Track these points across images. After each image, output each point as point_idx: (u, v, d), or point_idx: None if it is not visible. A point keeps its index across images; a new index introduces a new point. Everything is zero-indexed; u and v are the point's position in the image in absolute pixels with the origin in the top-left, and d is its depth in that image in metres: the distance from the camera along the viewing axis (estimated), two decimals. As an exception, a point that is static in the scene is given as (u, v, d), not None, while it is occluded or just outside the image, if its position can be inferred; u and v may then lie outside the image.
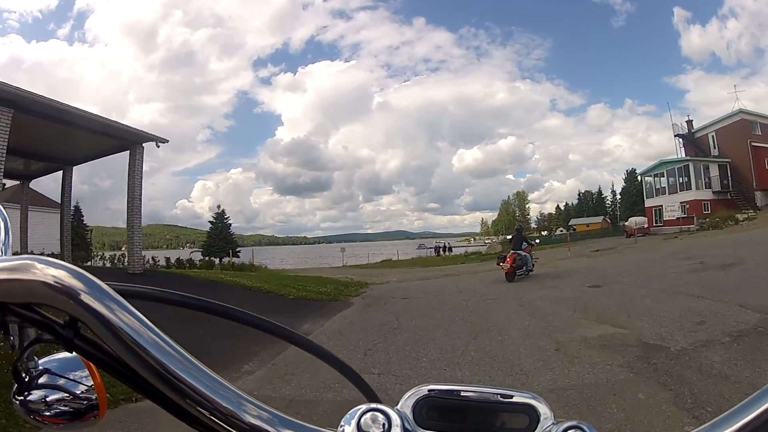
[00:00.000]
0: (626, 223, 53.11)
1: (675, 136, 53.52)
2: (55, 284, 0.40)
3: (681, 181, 47.10)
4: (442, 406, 0.46)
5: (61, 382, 0.53)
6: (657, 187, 52.11)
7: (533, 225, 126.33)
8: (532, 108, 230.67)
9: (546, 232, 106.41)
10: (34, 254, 0.44)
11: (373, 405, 0.44)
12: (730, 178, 45.62)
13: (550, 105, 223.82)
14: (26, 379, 0.51)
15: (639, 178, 54.59)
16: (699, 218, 40.00)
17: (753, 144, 45.78)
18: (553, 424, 0.44)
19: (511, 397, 0.45)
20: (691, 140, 51.96)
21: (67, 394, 0.53)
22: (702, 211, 44.03)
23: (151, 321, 0.43)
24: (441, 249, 58.68)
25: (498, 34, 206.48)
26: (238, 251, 50.01)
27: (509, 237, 29.55)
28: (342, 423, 0.44)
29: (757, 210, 39.39)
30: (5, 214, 0.68)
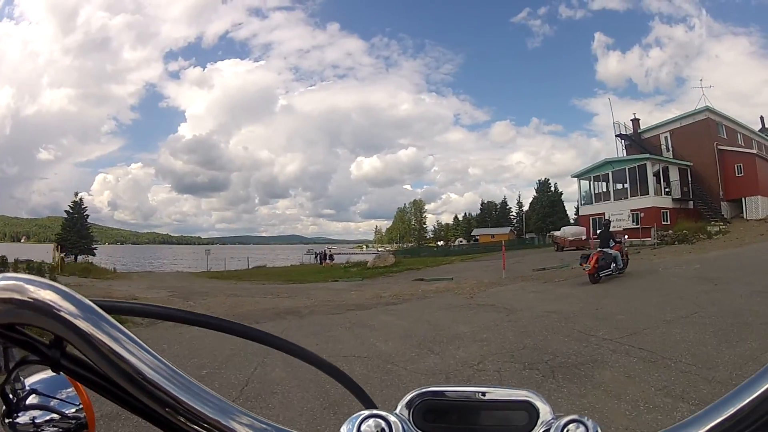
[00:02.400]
0: (557, 234, 44.88)
1: (616, 136, 46.02)
2: (39, 303, 0.40)
3: (633, 185, 39.33)
4: (440, 408, 0.47)
5: (49, 402, 0.56)
6: (597, 192, 44.09)
7: (430, 235, 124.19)
8: (436, 121, 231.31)
9: (442, 242, 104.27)
10: (16, 273, 0.44)
11: (373, 411, 0.45)
12: (690, 185, 39.04)
13: (454, 119, 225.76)
14: (14, 401, 0.53)
15: (578, 181, 46.21)
16: (659, 230, 33.99)
17: (719, 147, 38.71)
18: (553, 419, 0.45)
19: (509, 394, 0.46)
20: (638, 142, 44.32)
21: (56, 414, 0.55)
22: (660, 221, 36.41)
23: (139, 337, 0.43)
24: (322, 256, 53.47)
25: (410, 45, 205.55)
26: (94, 248, 47.89)
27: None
28: (341, 430, 0.44)
29: (727, 222, 34.38)
30: None
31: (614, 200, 41.23)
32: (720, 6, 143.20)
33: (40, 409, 0.54)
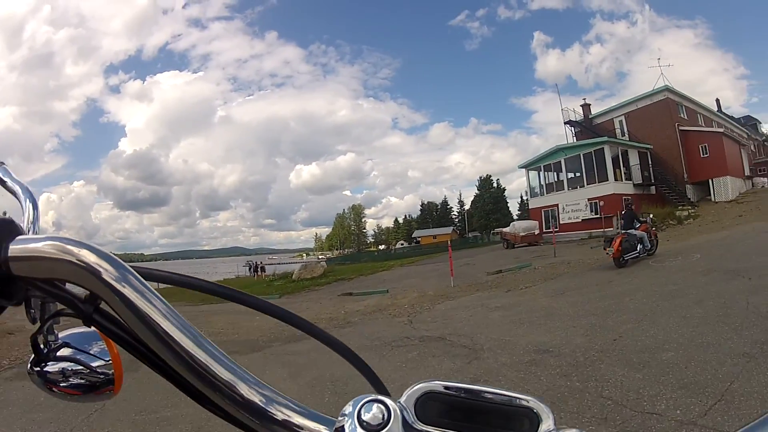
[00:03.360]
0: (505, 230, 40.06)
1: (566, 123, 42.39)
2: (78, 262, 0.43)
3: (589, 172, 35.52)
4: (444, 403, 0.46)
5: (79, 355, 0.58)
6: (549, 182, 40.02)
7: (370, 239, 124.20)
8: (374, 126, 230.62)
9: (384, 246, 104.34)
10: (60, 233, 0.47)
11: (377, 396, 0.45)
12: (651, 169, 35.94)
13: (393, 123, 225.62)
14: (45, 351, 0.57)
15: (526, 172, 42.11)
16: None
17: (681, 128, 35.47)
18: (554, 429, 0.44)
19: (515, 399, 0.46)
20: (589, 128, 40.80)
21: (84, 368, 0.58)
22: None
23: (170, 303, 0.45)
24: (254, 268, 49.27)
25: (348, 52, 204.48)
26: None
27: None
28: (343, 411, 0.45)
29: (694, 205, 31.95)
30: (34, 197, 0.77)
31: (568, 189, 37.46)
32: (665, 0, 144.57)
33: (69, 361, 0.57)
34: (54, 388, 0.57)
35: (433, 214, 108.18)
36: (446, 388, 0.46)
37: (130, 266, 0.45)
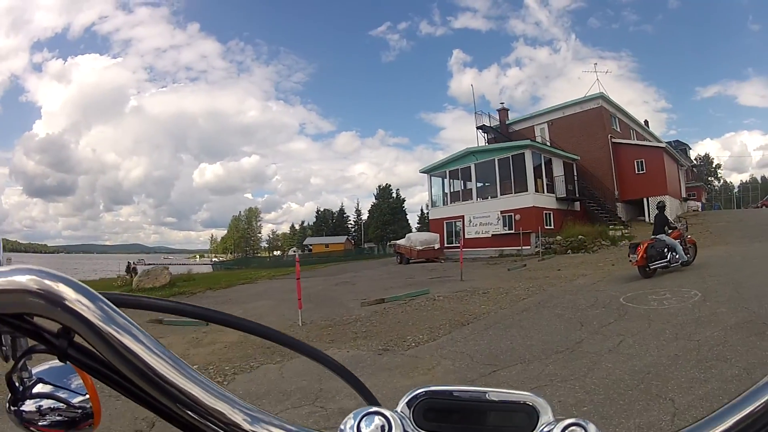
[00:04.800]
0: (400, 242, 32.77)
1: (478, 128, 36.31)
2: (48, 294, 0.41)
3: (504, 180, 30.03)
4: (441, 407, 0.47)
5: (56, 391, 0.55)
6: (455, 190, 33.65)
7: (264, 244, 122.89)
8: (281, 129, 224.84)
9: (279, 252, 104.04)
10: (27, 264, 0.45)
11: (373, 408, 0.45)
12: (577, 183, 31.72)
13: (300, 128, 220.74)
14: (20, 389, 0.53)
15: (428, 178, 35.25)
16: (543, 235, 26.26)
17: (614, 141, 30.80)
18: (553, 421, 0.45)
19: (511, 396, 0.46)
20: (506, 135, 35.14)
21: (62, 404, 0.55)
22: (543, 225, 26.89)
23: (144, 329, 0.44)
24: (131, 269, 38.60)
25: (265, 51, 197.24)
26: None
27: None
28: (341, 427, 0.45)
29: (627, 225, 28.02)
30: None
31: (478, 200, 31.26)
32: (592, 32, 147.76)
33: (46, 398, 0.54)
34: (32, 428, 0.53)
35: (329, 222, 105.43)
36: (442, 392, 0.47)
37: (102, 294, 0.44)
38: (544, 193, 28.83)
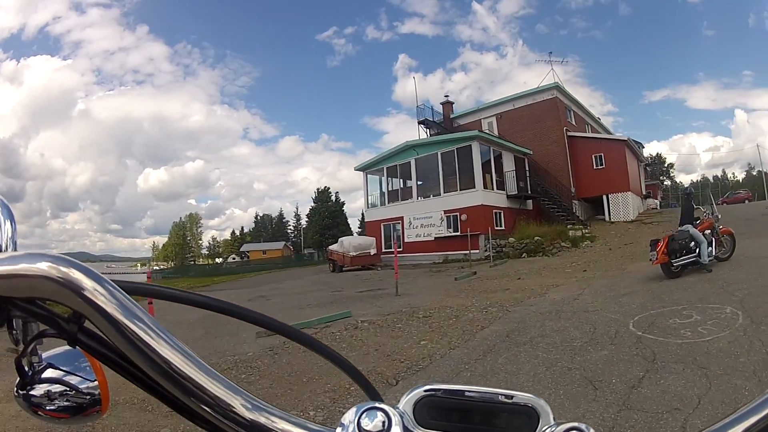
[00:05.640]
0: (333, 248, 29.06)
1: (420, 123, 33.00)
2: (60, 279, 0.41)
3: (448, 176, 26.80)
4: (442, 406, 0.46)
5: (65, 376, 0.56)
6: (393, 189, 30.13)
7: (204, 251, 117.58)
8: (225, 134, 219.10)
9: (221, 259, 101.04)
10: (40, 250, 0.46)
11: (374, 404, 0.45)
12: (528, 179, 28.74)
13: (243, 133, 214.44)
14: (29, 374, 0.55)
15: (364, 176, 31.52)
16: (493, 237, 22.88)
17: (570, 134, 28.17)
18: (554, 424, 0.44)
19: (512, 397, 0.46)
20: (450, 130, 31.81)
21: (70, 389, 0.56)
22: (493, 226, 24.54)
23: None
24: None
25: (211, 55, 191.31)
26: None
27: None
28: (342, 421, 0.45)
29: (585, 225, 25.36)
30: (10, 209, 0.69)
31: (419, 199, 27.83)
32: (540, 38, 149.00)
33: (55, 383, 0.55)
34: (40, 412, 0.54)
35: (268, 228, 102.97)
36: (444, 390, 0.46)
37: (114, 281, 0.44)
38: (493, 190, 25.79)
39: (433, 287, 14.06)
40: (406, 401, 0.45)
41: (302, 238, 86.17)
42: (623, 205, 27.73)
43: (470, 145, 25.35)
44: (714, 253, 10.48)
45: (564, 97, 30.70)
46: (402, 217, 28.01)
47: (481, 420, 0.45)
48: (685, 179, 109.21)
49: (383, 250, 27.60)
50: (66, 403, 0.54)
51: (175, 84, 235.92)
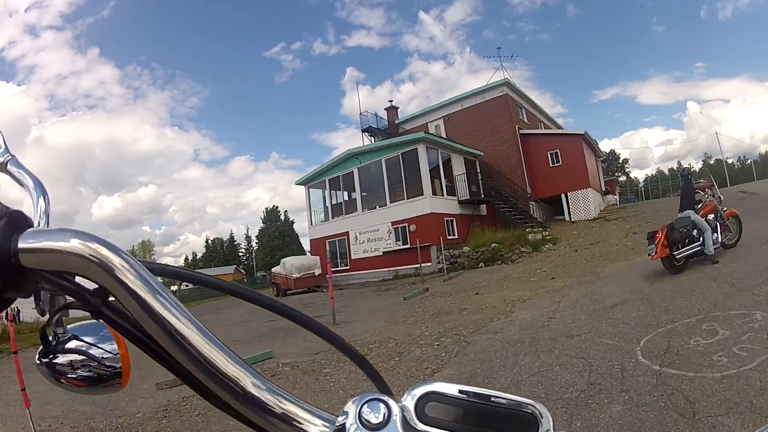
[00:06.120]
0: (275, 270, 27.06)
1: (363, 131, 31.15)
2: (89, 255, 0.43)
3: (394, 185, 24.64)
4: (445, 405, 0.46)
5: (88, 348, 0.59)
6: (336, 202, 27.92)
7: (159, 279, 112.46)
8: (176, 157, 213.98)
9: (175, 287, 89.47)
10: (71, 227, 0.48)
11: (378, 395, 0.45)
12: (481, 182, 26.49)
13: (194, 155, 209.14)
14: (53, 343, 0.58)
15: (306, 191, 29.02)
16: (446, 247, 20.74)
17: (523, 132, 26.59)
18: None
19: (514, 402, 0.46)
20: (395, 136, 29.33)
21: (92, 360, 0.59)
22: (446, 235, 22.47)
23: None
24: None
25: (161, 76, 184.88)
26: None
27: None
28: (345, 409, 0.45)
29: (545, 227, 23.79)
30: (44, 188, 0.78)
31: (364, 211, 25.68)
32: (487, 44, 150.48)
33: (78, 354, 0.58)
34: (62, 380, 0.57)
35: (219, 252, 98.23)
36: (448, 389, 0.46)
37: (140, 260, 0.46)
38: (443, 196, 23.69)
39: (379, 311, 11.98)
40: (409, 397, 0.45)
41: (254, 261, 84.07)
42: (584, 203, 26.21)
43: (416, 149, 23.29)
44: (720, 240, 9.29)
45: (515, 94, 29.01)
46: (347, 232, 25.73)
47: (482, 422, 0.45)
48: (639, 174, 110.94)
49: (332, 269, 24.81)
50: (87, 374, 0.57)
51: (126, 107, 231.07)
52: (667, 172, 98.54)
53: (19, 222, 0.46)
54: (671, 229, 8.82)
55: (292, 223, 74.40)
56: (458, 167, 25.16)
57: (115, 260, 0.43)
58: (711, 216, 9.31)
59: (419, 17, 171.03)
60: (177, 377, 0.47)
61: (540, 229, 22.61)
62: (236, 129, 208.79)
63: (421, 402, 0.45)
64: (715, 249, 8.87)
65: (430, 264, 20.87)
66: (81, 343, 0.58)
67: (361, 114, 31.78)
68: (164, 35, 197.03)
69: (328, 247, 26.59)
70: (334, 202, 28.13)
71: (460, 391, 0.45)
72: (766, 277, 6.78)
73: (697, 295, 6.66)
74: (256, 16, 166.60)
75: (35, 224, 0.47)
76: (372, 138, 30.80)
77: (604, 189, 32.53)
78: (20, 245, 0.44)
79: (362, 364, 0.65)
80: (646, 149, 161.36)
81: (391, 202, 24.14)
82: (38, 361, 0.57)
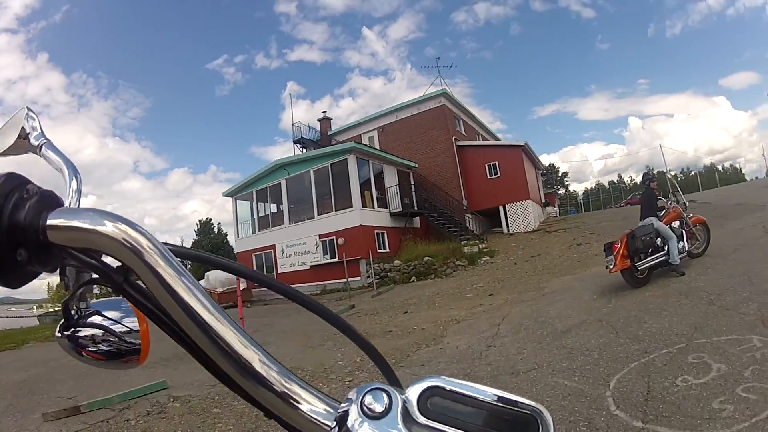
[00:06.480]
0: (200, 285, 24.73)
1: (295, 142, 29.94)
2: (112, 234, 0.45)
3: (323, 196, 23.27)
4: (447, 400, 0.46)
5: (109, 324, 0.61)
6: (263, 214, 26.52)
7: (96, 292, 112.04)
8: (116, 168, 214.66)
9: None
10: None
11: (382, 385, 0.46)
12: (414, 194, 25.46)
13: (134, 166, 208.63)
14: (75, 317, 0.60)
15: (234, 204, 27.22)
16: (376, 261, 19.78)
17: (460, 144, 26.08)
18: None
19: (516, 403, 0.46)
20: (328, 146, 28.07)
21: (112, 335, 0.61)
22: (376, 249, 21.40)
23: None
24: None
25: (105, 85, 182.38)
26: None
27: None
28: (349, 396, 0.46)
29: (482, 240, 22.84)
30: (76, 169, 0.79)
31: (291, 223, 24.14)
32: (429, 60, 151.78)
33: (98, 328, 0.60)
34: (83, 352, 0.59)
35: None
36: (451, 385, 0.47)
37: (164, 242, 0.47)
38: (374, 208, 22.43)
39: (297, 332, 10.50)
40: (413, 390, 0.46)
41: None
42: (523, 215, 25.50)
43: (346, 160, 22.00)
44: (687, 249, 8.59)
45: (452, 106, 28.20)
46: (274, 245, 24.20)
47: (483, 420, 0.45)
48: (579, 188, 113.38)
49: (254, 285, 23.08)
50: (107, 348, 0.59)
51: (70, 116, 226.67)
52: (607, 185, 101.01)
53: (49, 201, 0.48)
54: (632, 238, 7.99)
55: (225, 235, 71.99)
56: (391, 179, 24.00)
57: (138, 239, 0.44)
58: (676, 223, 8.61)
59: (362, 33, 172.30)
60: (192, 356, 0.49)
61: (476, 241, 21.72)
62: (176, 141, 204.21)
63: (424, 395, 0.45)
64: (680, 259, 8.12)
65: (359, 278, 19.71)
66: (103, 318, 0.60)
67: (293, 124, 30.31)
68: (111, 42, 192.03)
69: (254, 261, 24.92)
70: (261, 214, 26.58)
71: (465, 388, 0.45)
72: (750, 291, 5.83)
73: (670, 316, 5.62)
74: (202, 27, 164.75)
75: (66, 204, 0.50)
76: (304, 149, 29.22)
77: (543, 201, 32.07)
78: (49, 222, 0.46)
79: (373, 355, 0.63)
80: (586, 163, 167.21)
81: (319, 215, 22.79)
82: (59, 334, 0.58)
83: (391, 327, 9.09)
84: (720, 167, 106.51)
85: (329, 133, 31.05)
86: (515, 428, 0.44)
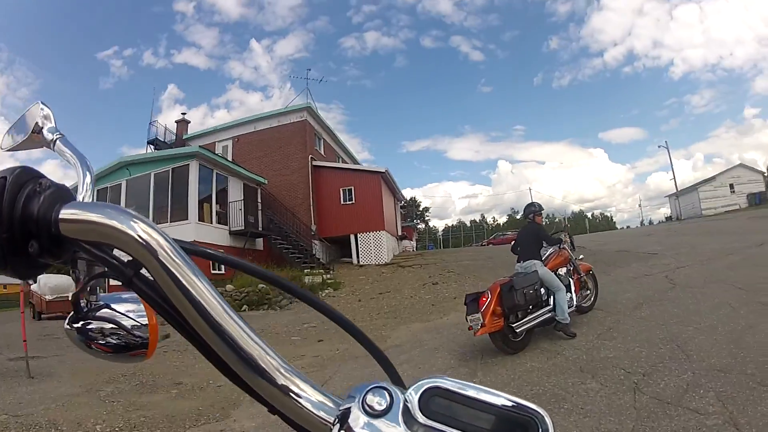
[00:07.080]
0: (33, 288, 20.33)
1: (148, 143, 27.19)
2: (123, 229, 0.46)
3: (160, 203, 20.87)
4: (448, 400, 0.47)
5: (119, 318, 0.62)
6: None
7: None
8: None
9: None
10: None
11: (383, 384, 0.46)
12: (260, 213, 23.47)
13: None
14: (84, 309, 0.61)
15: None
16: None
17: (316, 164, 24.68)
18: None
19: (518, 405, 0.46)
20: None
21: (121, 329, 0.62)
22: (209, 269, 17.88)
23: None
24: None
25: (4, 59, 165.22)
26: None
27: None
28: (350, 393, 0.47)
29: (328, 269, 21.56)
30: (90, 166, 0.79)
31: None
32: (309, 82, 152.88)
33: (107, 321, 0.61)
34: (92, 345, 0.60)
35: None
36: (454, 386, 0.47)
37: (175, 239, 0.48)
38: (212, 223, 20.39)
39: (89, 368, 7.90)
40: (415, 388, 0.46)
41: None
42: (376, 246, 24.34)
43: (188, 166, 19.82)
44: (576, 302, 7.04)
45: (316, 123, 26.81)
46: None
47: (483, 421, 0.45)
48: (439, 224, 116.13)
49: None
50: (115, 341, 0.60)
51: None
52: (469, 223, 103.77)
53: (62, 194, 0.49)
54: (509, 290, 6.20)
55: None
56: (235, 193, 22.07)
57: (152, 235, 0.45)
58: (563, 270, 7.15)
59: (250, 45, 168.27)
60: (199, 351, 0.50)
61: (321, 271, 20.45)
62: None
63: (426, 395, 0.45)
64: (559, 315, 6.54)
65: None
66: (112, 311, 0.60)
67: (150, 123, 27.84)
68: (17, 14, 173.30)
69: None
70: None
71: (466, 389, 0.46)
72: (692, 371, 4.37)
73: (576, 414, 3.94)
74: (105, 12, 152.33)
75: (80, 198, 0.53)
76: (156, 150, 26.51)
77: (400, 234, 31.16)
78: (61, 215, 0.47)
79: (376, 354, 0.64)
80: (449, 200, 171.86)
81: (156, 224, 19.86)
82: (68, 326, 0.59)
83: (181, 378, 7.05)
84: (590, 215, 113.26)
85: (184, 137, 28.30)
86: (515, 429, 0.44)
